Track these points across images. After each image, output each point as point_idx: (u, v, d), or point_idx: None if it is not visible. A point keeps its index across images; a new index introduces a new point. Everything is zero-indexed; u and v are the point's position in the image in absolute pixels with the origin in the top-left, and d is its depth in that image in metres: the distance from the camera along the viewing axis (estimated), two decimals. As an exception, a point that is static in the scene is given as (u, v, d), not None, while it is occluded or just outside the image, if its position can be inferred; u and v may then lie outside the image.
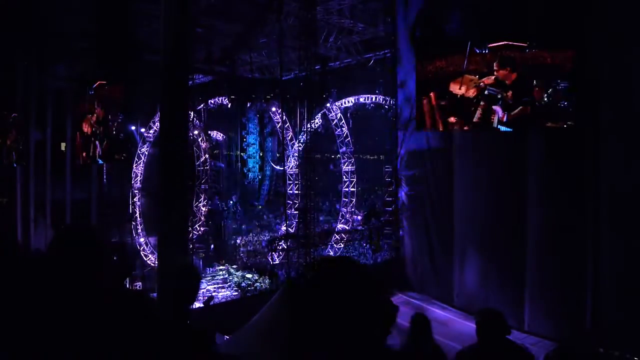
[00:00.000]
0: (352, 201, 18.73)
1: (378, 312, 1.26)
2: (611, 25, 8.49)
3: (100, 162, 15.19)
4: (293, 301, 1.33)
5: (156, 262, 15.27)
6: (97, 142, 14.24)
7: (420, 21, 12.26)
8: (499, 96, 9.09)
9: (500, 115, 9.11)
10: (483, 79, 9.37)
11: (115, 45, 13.04)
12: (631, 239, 8.31)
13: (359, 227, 17.86)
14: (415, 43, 12.18)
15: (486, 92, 9.37)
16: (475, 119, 9.52)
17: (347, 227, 18.23)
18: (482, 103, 9.46)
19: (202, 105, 18.14)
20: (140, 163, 19.12)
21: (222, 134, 22.89)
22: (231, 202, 22.54)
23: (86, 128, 14.87)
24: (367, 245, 15.47)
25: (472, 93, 9.58)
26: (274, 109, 20.34)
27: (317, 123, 18.06)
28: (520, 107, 8.88)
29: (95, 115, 14.34)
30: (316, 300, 1.25)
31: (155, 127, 18.16)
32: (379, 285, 1.29)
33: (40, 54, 15.94)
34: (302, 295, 1.29)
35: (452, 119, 10.01)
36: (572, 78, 8.45)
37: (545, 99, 8.57)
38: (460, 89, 9.70)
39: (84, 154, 15.27)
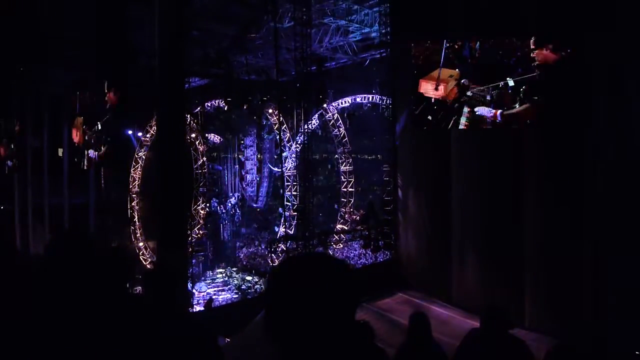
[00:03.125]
0: (350, 201, 18.76)
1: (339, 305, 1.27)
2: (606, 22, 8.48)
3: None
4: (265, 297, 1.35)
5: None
6: (89, 152, 14.14)
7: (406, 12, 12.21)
8: (488, 97, 8.26)
9: (490, 116, 8.44)
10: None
11: (111, 49, 13.03)
12: (630, 234, 8.33)
13: (358, 227, 17.86)
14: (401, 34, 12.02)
15: (469, 93, 8.16)
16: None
17: (345, 227, 18.24)
18: (466, 109, 8.30)
19: (198, 108, 18.15)
20: (137, 167, 19.10)
21: (219, 137, 22.89)
22: (229, 204, 22.54)
23: (76, 137, 14.77)
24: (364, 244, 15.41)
25: (452, 95, 8.23)
26: (270, 110, 20.35)
27: (314, 124, 18.08)
28: (526, 105, 8.16)
29: (82, 119, 14.29)
30: (281, 297, 1.28)
31: (152, 131, 18.16)
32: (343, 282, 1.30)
33: (36, 59, 15.92)
34: (268, 291, 1.32)
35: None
36: (570, 75, 8.25)
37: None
38: (436, 89, 8.36)
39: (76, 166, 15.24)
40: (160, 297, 3.09)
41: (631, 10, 8.14)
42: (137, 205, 19.02)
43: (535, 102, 8.14)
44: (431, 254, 12.26)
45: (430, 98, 8.54)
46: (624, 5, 8.24)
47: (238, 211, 22.72)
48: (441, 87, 8.23)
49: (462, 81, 8.29)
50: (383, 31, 13.82)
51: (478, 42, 8.58)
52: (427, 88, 8.29)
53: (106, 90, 13.61)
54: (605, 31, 8.22)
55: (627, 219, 8.37)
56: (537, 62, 8.33)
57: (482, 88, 8.28)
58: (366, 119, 18.66)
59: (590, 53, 8.42)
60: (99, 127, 13.81)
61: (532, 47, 8.36)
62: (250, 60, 17.55)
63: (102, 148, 13.88)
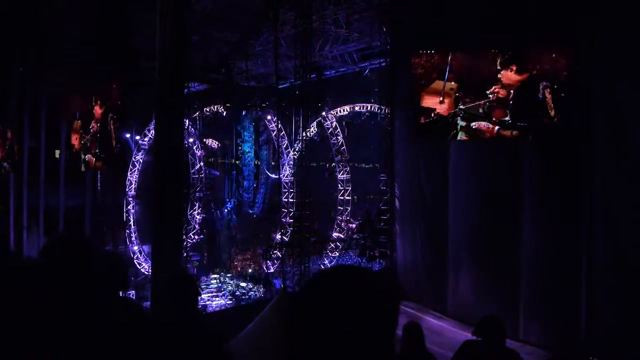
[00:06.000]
0: (347, 210, 18.74)
1: (379, 322, 1.22)
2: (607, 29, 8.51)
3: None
4: (291, 312, 1.28)
5: (150, 271, 15.19)
6: (87, 157, 14.07)
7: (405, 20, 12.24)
8: (481, 110, 8.26)
9: (488, 130, 8.42)
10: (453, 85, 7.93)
11: (111, 51, 13.04)
12: (625, 247, 8.34)
13: (354, 236, 17.83)
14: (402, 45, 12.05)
15: (462, 106, 8.12)
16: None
17: (342, 236, 18.22)
18: (462, 124, 8.30)
19: (197, 113, 18.15)
20: (134, 171, 19.07)
21: (217, 142, 22.88)
22: (226, 210, 22.49)
23: (75, 141, 14.71)
24: (359, 253, 15.39)
25: (451, 108, 8.18)
26: (269, 117, 20.37)
27: (312, 131, 18.11)
28: (516, 131, 8.09)
29: (80, 123, 14.24)
30: (313, 311, 1.21)
31: (150, 135, 18.14)
32: (382, 295, 1.25)
33: (34, 60, 15.91)
34: (298, 305, 1.25)
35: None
36: (569, 85, 8.20)
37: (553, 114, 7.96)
38: (441, 102, 8.30)
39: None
40: (177, 303, 3.07)
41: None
42: (132, 208, 18.96)
43: (531, 124, 8.13)
44: (427, 264, 12.24)
45: (429, 109, 8.55)
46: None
47: (234, 217, 22.67)
48: (446, 101, 8.23)
49: (457, 94, 8.29)
50: (383, 41, 13.87)
51: (473, 54, 8.60)
52: (432, 102, 8.27)
53: (93, 103, 13.56)
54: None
55: (625, 230, 8.38)
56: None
57: (477, 103, 8.26)
58: (364, 127, 18.69)
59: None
60: (93, 131, 13.77)
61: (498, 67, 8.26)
62: (250, 67, 17.60)
63: (98, 153, 13.82)
